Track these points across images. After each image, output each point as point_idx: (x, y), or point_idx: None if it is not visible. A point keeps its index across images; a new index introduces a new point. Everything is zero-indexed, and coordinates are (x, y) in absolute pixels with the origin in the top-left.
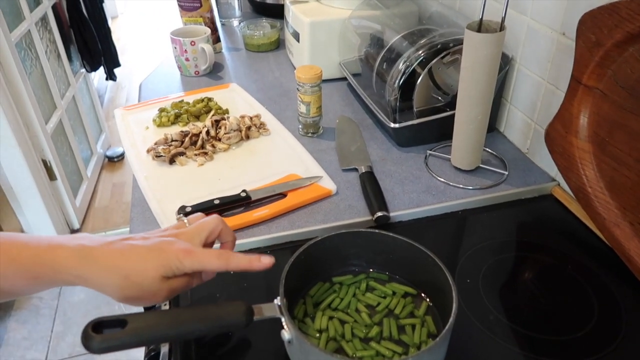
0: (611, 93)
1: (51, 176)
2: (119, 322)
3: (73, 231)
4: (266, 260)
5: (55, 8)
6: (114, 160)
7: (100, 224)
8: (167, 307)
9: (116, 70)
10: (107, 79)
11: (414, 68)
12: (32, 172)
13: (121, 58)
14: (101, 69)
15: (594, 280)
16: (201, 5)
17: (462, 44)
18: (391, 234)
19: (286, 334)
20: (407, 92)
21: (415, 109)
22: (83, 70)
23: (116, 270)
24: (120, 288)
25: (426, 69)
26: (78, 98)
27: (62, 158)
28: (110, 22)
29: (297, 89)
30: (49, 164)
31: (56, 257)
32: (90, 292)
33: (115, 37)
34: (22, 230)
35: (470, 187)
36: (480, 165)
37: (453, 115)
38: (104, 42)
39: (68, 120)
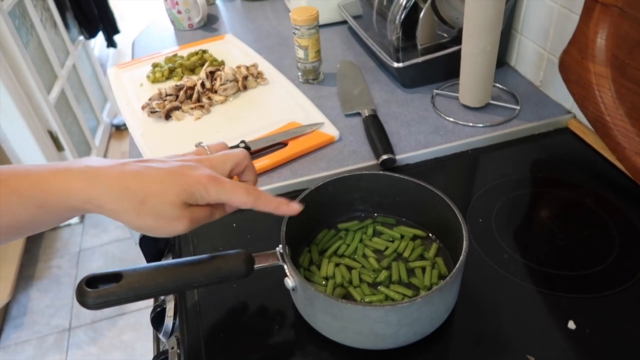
0: (631, 9)
1: (58, 147)
2: (113, 276)
3: None
4: (295, 206)
5: None
6: (121, 129)
7: None
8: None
9: (117, 38)
10: (107, 46)
11: (415, 1)
12: (38, 143)
13: (120, 25)
14: (101, 37)
15: (614, 213)
16: None
17: None
18: (396, 175)
19: (289, 281)
20: (410, 29)
21: (419, 47)
22: (82, 37)
23: (130, 193)
24: (136, 214)
25: (429, 1)
26: (79, 66)
27: (68, 128)
28: None
29: (294, 32)
30: (54, 135)
31: (60, 181)
32: (108, 259)
33: (113, 3)
34: None
35: (481, 125)
36: (491, 102)
37: (459, 51)
38: (101, 8)
39: (70, 89)
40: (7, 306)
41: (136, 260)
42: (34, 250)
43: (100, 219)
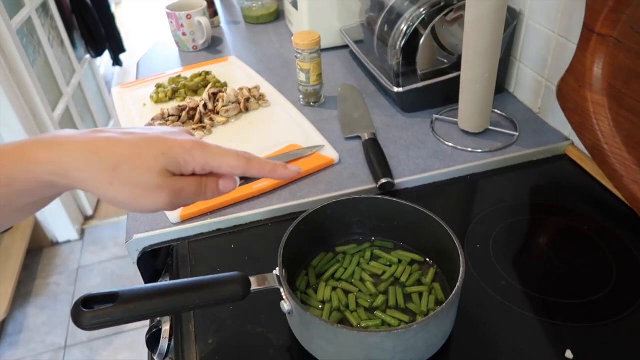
0: (627, 40)
1: None
2: (110, 296)
3: (87, 218)
4: (294, 168)
5: None
6: None
7: (114, 210)
8: (166, 279)
9: (123, 56)
10: (113, 64)
11: (416, 28)
12: None
13: (126, 44)
14: (107, 55)
15: (612, 241)
16: None
17: None
18: (395, 199)
19: (285, 305)
20: (410, 54)
21: (419, 72)
22: (88, 56)
23: (100, 159)
24: (109, 182)
25: (429, 28)
26: (84, 84)
27: None
28: (113, 8)
29: (296, 56)
30: None
31: (26, 154)
32: (106, 276)
33: (120, 22)
34: (36, 221)
35: (479, 150)
36: (489, 128)
37: (459, 77)
38: (108, 28)
39: (75, 107)
40: (3, 323)
41: (134, 278)
42: (32, 267)
43: (100, 235)
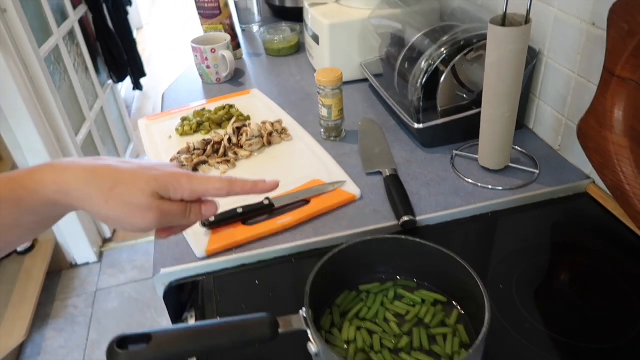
0: None
1: None
2: (143, 337)
3: (105, 240)
4: (271, 181)
5: (81, 22)
6: None
7: (132, 233)
8: (193, 320)
9: (142, 80)
10: (134, 88)
11: (437, 66)
12: None
13: (147, 68)
14: (128, 80)
15: (636, 283)
16: (221, 13)
17: (486, 39)
18: (418, 240)
19: (313, 347)
20: (431, 91)
21: (439, 109)
22: (110, 81)
23: (99, 179)
24: (105, 200)
25: (449, 67)
26: (106, 109)
27: None
28: (135, 33)
29: (318, 92)
30: None
31: (33, 176)
32: (123, 300)
33: (141, 47)
34: (57, 243)
35: (500, 188)
36: (510, 165)
37: (479, 114)
38: (130, 53)
39: (97, 131)
40: (22, 345)
41: (151, 301)
42: (51, 289)
43: (118, 258)
